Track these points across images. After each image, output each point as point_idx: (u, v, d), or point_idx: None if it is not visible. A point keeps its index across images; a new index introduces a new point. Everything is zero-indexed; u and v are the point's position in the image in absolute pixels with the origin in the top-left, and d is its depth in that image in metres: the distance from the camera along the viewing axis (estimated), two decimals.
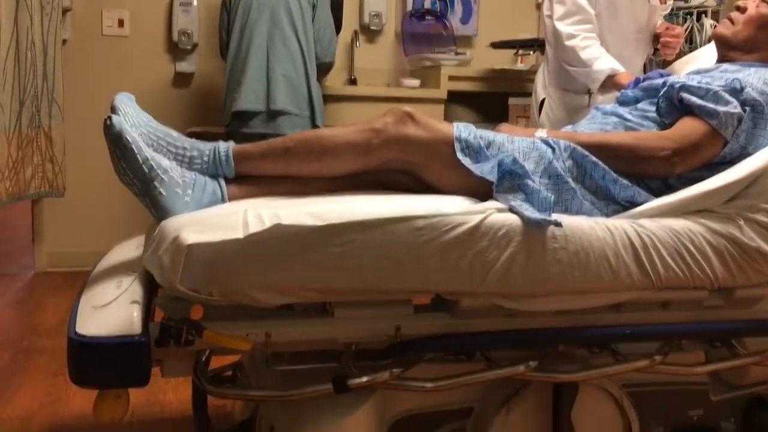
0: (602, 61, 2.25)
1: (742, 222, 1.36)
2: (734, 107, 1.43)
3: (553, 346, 1.36)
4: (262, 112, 2.82)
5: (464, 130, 1.37)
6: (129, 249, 1.47)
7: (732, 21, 1.65)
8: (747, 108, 1.44)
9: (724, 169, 1.42)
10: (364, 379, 1.24)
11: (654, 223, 1.34)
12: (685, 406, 1.51)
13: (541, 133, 1.49)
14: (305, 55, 2.87)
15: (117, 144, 1.23)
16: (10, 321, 2.74)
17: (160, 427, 1.86)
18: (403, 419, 1.37)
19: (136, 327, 1.12)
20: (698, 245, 1.33)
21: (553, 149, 1.40)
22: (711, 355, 1.48)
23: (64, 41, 3.35)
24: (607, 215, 1.38)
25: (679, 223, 1.34)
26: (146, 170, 1.24)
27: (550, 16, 2.40)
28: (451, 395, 1.38)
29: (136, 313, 1.14)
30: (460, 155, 1.34)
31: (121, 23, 3.48)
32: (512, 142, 1.40)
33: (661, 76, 1.70)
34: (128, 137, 1.23)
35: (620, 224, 1.32)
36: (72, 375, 1.12)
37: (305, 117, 2.87)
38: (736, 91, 1.45)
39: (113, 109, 1.30)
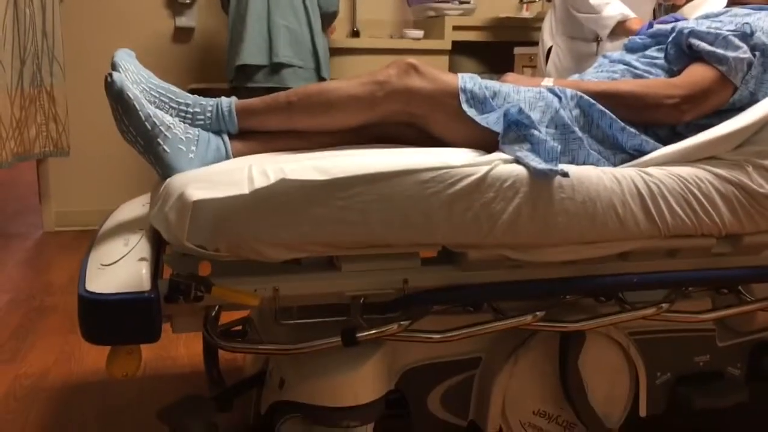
0: (612, 7, 2.21)
1: (750, 168, 1.34)
2: (744, 52, 1.40)
3: (560, 296, 1.36)
4: (265, 66, 2.79)
5: (469, 80, 1.35)
6: (135, 207, 1.47)
7: None
8: (757, 53, 1.41)
9: (733, 116, 1.40)
10: (373, 331, 1.25)
11: (662, 171, 1.33)
12: (692, 352, 1.52)
13: (548, 82, 1.48)
14: (307, 4, 2.82)
15: (119, 101, 1.22)
16: (22, 280, 2.77)
17: (173, 381, 1.89)
18: (411, 370, 1.39)
19: (145, 283, 1.13)
20: (706, 192, 1.32)
21: (560, 98, 1.38)
22: (718, 302, 1.49)
23: None
24: (615, 164, 1.38)
25: (687, 171, 1.34)
26: (149, 127, 1.23)
27: None
28: (459, 346, 1.39)
29: (144, 270, 1.14)
30: (465, 106, 1.33)
31: None
32: (518, 92, 1.38)
33: (676, 20, 1.66)
34: (130, 94, 1.22)
35: (627, 173, 1.31)
36: (84, 332, 1.13)
37: (310, 69, 2.83)
38: (746, 36, 1.42)
39: (114, 66, 1.29)
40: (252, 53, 2.76)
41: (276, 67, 2.78)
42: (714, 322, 1.52)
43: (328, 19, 2.98)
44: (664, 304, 1.38)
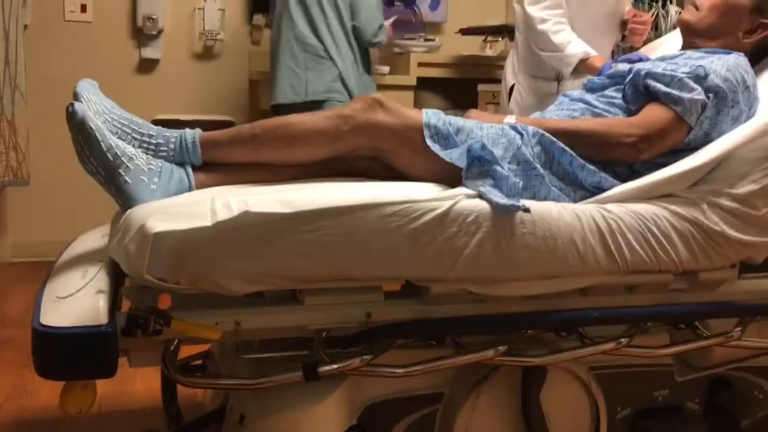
0: (574, 45, 2.26)
1: (705, 206, 1.38)
2: (698, 94, 1.45)
3: (522, 330, 1.37)
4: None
5: (433, 116, 1.37)
6: (94, 238, 1.45)
7: (696, 7, 1.67)
8: (711, 95, 1.46)
9: (688, 156, 1.44)
10: (335, 366, 1.24)
11: (620, 208, 1.35)
12: (651, 387, 1.54)
13: (510, 119, 1.50)
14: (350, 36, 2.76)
15: (80, 131, 1.21)
16: None
17: (129, 417, 1.84)
18: (373, 405, 1.38)
19: (102, 317, 1.10)
20: (663, 229, 1.35)
21: (522, 135, 1.41)
22: (675, 337, 1.51)
23: (26, 27, 3.27)
24: (575, 201, 1.40)
25: (645, 208, 1.36)
26: (110, 158, 1.22)
27: (521, 2, 2.40)
28: (422, 381, 1.38)
29: (102, 303, 1.12)
30: (429, 141, 1.34)
31: (83, 8, 3.40)
32: (481, 128, 1.41)
33: (641, 60, 1.71)
34: (91, 124, 1.20)
35: (587, 209, 1.34)
36: (37, 367, 1.11)
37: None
38: (700, 78, 1.47)
39: (75, 96, 1.27)
40: (284, 93, 2.73)
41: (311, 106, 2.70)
42: (672, 357, 1.54)
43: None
44: (623, 339, 1.40)
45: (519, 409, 1.44)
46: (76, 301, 1.13)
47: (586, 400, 1.49)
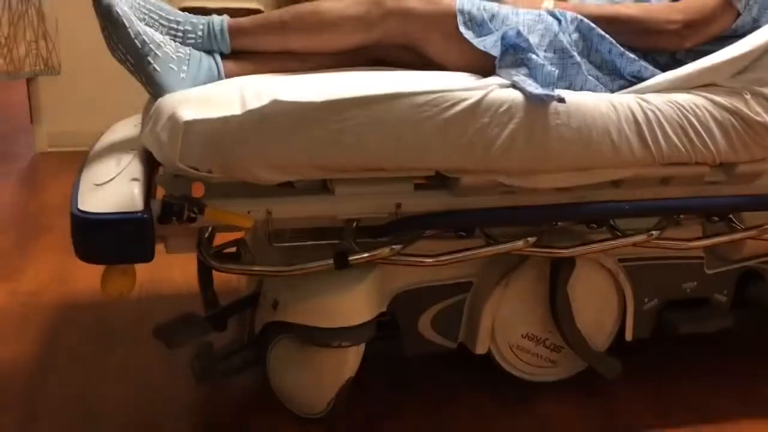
0: None
1: (748, 96, 1.33)
2: None
3: (552, 222, 1.37)
4: None
5: (467, 2, 1.32)
6: (127, 127, 1.46)
7: None
8: None
9: (734, 43, 1.38)
10: (365, 255, 1.26)
11: (659, 98, 1.31)
12: (680, 279, 1.55)
13: (548, 3, 1.44)
14: None
15: (107, 18, 1.19)
16: (16, 201, 2.77)
17: (168, 302, 1.91)
18: (403, 293, 1.41)
19: (137, 203, 1.13)
20: (702, 120, 1.31)
21: (559, 22, 1.36)
22: (708, 229, 1.50)
23: None
24: (612, 91, 1.36)
25: (685, 98, 1.32)
26: (139, 45, 1.20)
27: None
28: (451, 270, 1.41)
29: (137, 190, 1.14)
30: (462, 28, 1.30)
31: None
32: (517, 14, 1.35)
33: None
34: (118, 10, 1.18)
35: (625, 99, 1.30)
36: (77, 251, 1.14)
37: None
38: None
39: None
40: None
41: None
42: (703, 250, 1.54)
43: None
44: (654, 232, 1.39)
45: (546, 299, 1.46)
46: (112, 188, 1.15)
47: (613, 291, 1.50)
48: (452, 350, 1.48)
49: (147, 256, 1.14)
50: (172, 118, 1.12)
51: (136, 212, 1.12)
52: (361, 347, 1.36)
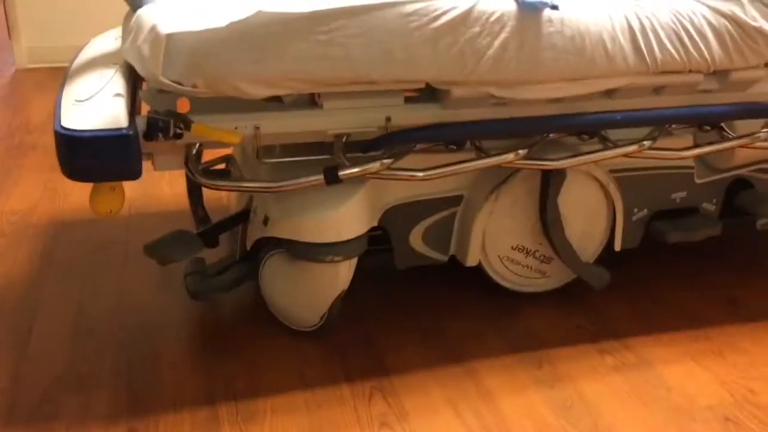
0: None
1: (745, 1, 1.30)
2: None
3: (544, 133, 1.36)
4: None
5: None
6: (107, 41, 1.41)
7: None
8: None
9: None
10: (355, 169, 1.25)
11: (654, 3, 1.28)
12: (670, 189, 1.55)
13: None
14: None
15: None
16: None
17: (159, 219, 1.91)
18: (394, 207, 1.41)
19: (122, 120, 1.10)
20: (698, 26, 1.29)
21: None
22: (699, 138, 1.49)
23: None
24: None
25: (681, 3, 1.29)
26: None
27: None
28: (442, 184, 1.40)
29: (121, 106, 1.12)
30: None
31: None
32: None
33: None
34: None
35: (620, 6, 1.27)
36: (63, 169, 1.13)
37: None
38: None
39: None
40: None
41: None
42: (693, 159, 1.54)
43: None
44: (646, 142, 1.38)
45: (537, 211, 1.46)
46: (95, 104, 1.12)
47: (603, 201, 1.51)
48: (443, 263, 1.49)
49: (134, 174, 1.13)
50: (153, 31, 1.08)
51: (121, 128, 1.10)
52: (353, 261, 1.37)
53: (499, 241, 1.48)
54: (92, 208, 1.20)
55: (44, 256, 1.72)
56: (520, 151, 1.33)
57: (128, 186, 1.20)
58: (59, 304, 1.52)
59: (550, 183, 1.42)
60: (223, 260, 1.49)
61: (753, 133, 1.45)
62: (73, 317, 1.48)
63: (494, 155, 1.33)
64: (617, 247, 1.54)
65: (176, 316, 1.50)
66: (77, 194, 2.04)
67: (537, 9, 1.19)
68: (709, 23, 1.29)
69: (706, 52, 1.30)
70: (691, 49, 1.29)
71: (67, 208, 1.97)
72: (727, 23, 1.30)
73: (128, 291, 1.58)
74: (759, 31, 1.31)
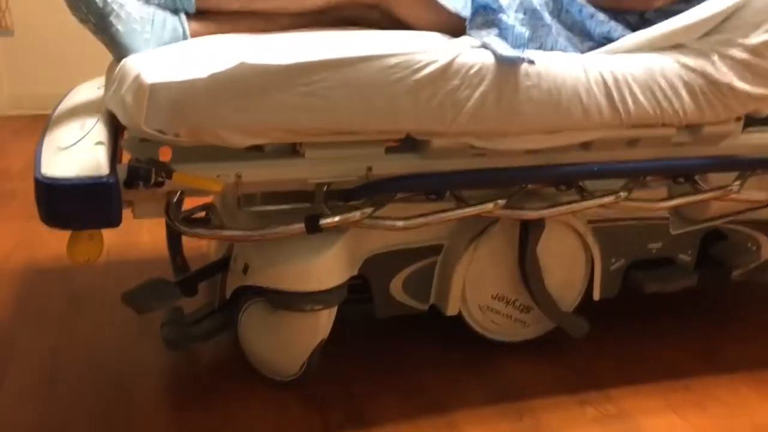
0: None
1: (715, 57, 1.34)
2: None
3: (522, 184, 1.38)
4: None
5: None
6: (90, 90, 1.42)
7: None
8: None
9: (702, 3, 1.38)
10: (336, 218, 1.26)
11: (628, 59, 1.32)
12: (646, 239, 1.57)
13: None
14: None
15: None
16: None
17: (137, 267, 1.90)
18: (374, 257, 1.41)
19: (103, 168, 1.10)
20: (670, 81, 1.32)
21: None
22: (674, 190, 1.52)
23: None
24: (582, 52, 1.36)
25: (653, 59, 1.33)
26: (100, 4, 1.17)
27: None
28: (422, 233, 1.41)
29: (102, 154, 1.12)
30: None
31: None
32: None
33: None
34: None
35: (594, 60, 1.30)
36: (42, 216, 1.12)
37: None
38: None
39: None
40: None
41: None
42: (669, 211, 1.56)
43: None
44: (622, 193, 1.41)
45: (516, 260, 1.47)
46: (77, 152, 1.12)
47: (581, 251, 1.52)
48: (424, 312, 1.49)
49: (114, 222, 1.12)
50: (137, 80, 1.09)
51: (102, 176, 1.10)
52: (333, 310, 1.36)
53: (480, 290, 1.48)
54: (70, 256, 1.19)
55: (19, 303, 1.69)
56: (500, 201, 1.34)
57: (107, 233, 1.19)
58: (33, 352, 1.50)
59: (529, 233, 1.43)
60: (201, 309, 1.48)
61: (725, 186, 1.48)
62: (47, 366, 1.45)
63: (474, 205, 1.34)
64: (596, 296, 1.55)
65: (153, 365, 1.47)
66: (55, 242, 2.02)
67: (515, 63, 1.22)
68: (681, 79, 1.33)
69: (678, 107, 1.34)
70: (664, 103, 1.33)
71: (45, 256, 1.95)
72: (698, 79, 1.34)
73: (104, 340, 1.55)
74: (729, 86, 1.35)
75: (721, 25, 1.36)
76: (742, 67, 1.35)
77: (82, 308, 1.68)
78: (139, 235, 2.08)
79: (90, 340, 1.55)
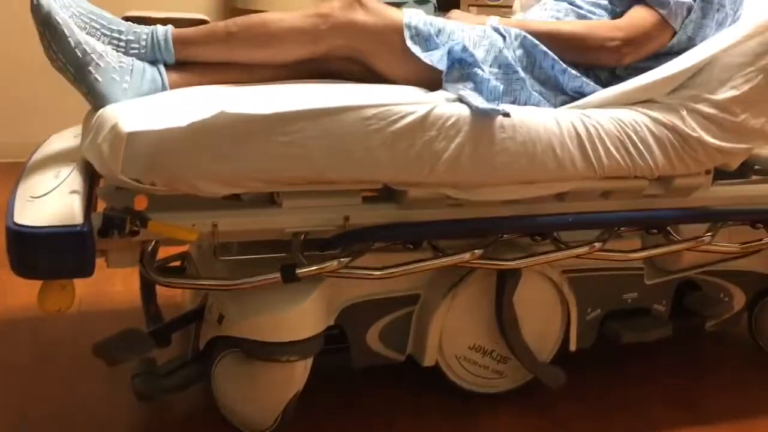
0: None
1: (684, 112, 1.38)
2: None
3: (498, 234, 1.39)
4: None
5: (414, 16, 1.33)
6: (66, 138, 1.42)
7: None
8: None
9: (671, 60, 1.43)
10: (313, 268, 1.25)
11: (600, 113, 1.35)
12: (621, 290, 1.58)
13: (493, 20, 1.47)
14: None
15: (46, 26, 1.16)
16: None
17: (110, 317, 1.86)
18: (351, 306, 1.40)
19: (77, 217, 1.09)
20: (641, 135, 1.35)
21: (504, 38, 1.38)
22: (647, 241, 1.54)
23: None
24: (555, 106, 1.39)
25: (624, 113, 1.36)
26: (79, 54, 1.17)
27: None
28: (399, 283, 1.41)
29: (76, 203, 1.11)
30: (409, 43, 1.31)
31: None
32: (463, 30, 1.37)
33: None
34: (58, 18, 1.16)
35: (567, 114, 1.33)
36: (13, 266, 1.10)
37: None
38: None
39: None
40: None
41: None
42: (643, 261, 1.58)
43: None
44: (597, 243, 1.42)
45: (493, 310, 1.47)
46: (50, 200, 1.11)
47: (557, 301, 1.53)
48: (401, 363, 1.48)
49: (87, 271, 1.11)
50: (114, 130, 1.09)
51: (76, 225, 1.09)
52: (309, 361, 1.35)
53: (456, 340, 1.48)
54: (40, 306, 1.17)
55: None
56: (476, 251, 1.35)
57: (79, 282, 1.18)
58: (1, 407, 1.45)
59: (505, 282, 1.43)
60: (173, 360, 1.45)
61: (697, 237, 1.50)
62: (16, 422, 1.41)
63: (450, 255, 1.34)
64: (572, 346, 1.55)
65: (125, 418, 1.43)
66: (25, 291, 1.98)
67: (490, 115, 1.24)
68: (651, 132, 1.36)
69: (649, 159, 1.36)
70: (635, 155, 1.35)
71: (14, 305, 1.90)
72: (668, 133, 1.37)
73: (75, 393, 1.51)
74: (698, 140, 1.38)
75: (690, 80, 1.40)
76: (709, 122, 1.38)
77: (53, 359, 1.64)
78: (112, 283, 2.05)
79: (60, 393, 1.51)
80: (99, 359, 1.32)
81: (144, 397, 1.37)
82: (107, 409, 1.46)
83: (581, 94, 1.40)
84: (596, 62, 1.43)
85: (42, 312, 1.18)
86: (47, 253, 1.08)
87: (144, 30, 1.29)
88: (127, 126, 1.09)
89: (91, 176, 1.22)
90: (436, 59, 1.30)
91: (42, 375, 1.58)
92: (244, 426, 1.38)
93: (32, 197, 1.13)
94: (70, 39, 1.17)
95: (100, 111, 1.17)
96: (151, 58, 1.28)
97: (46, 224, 1.08)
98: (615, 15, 1.49)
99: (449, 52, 1.29)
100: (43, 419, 1.41)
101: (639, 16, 1.43)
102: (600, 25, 1.44)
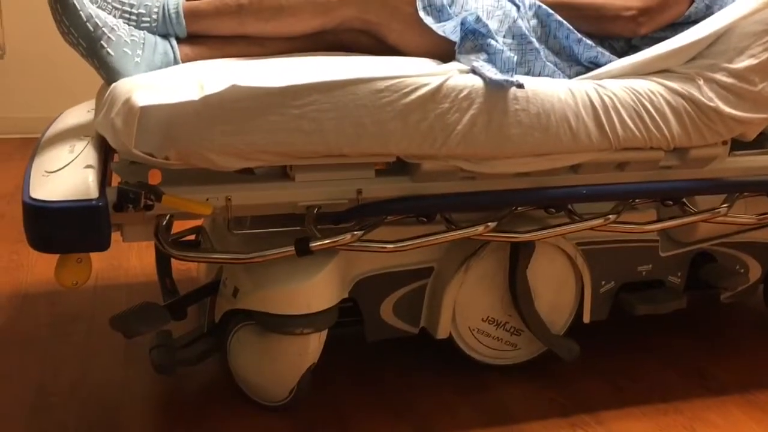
0: None
1: (701, 82, 1.36)
2: None
3: (512, 207, 1.38)
4: None
5: None
6: (80, 113, 1.42)
7: None
8: None
9: (687, 29, 1.40)
10: (326, 241, 1.26)
11: (615, 84, 1.33)
12: (635, 262, 1.58)
13: None
14: None
15: (58, 0, 1.15)
16: None
17: (126, 291, 1.88)
18: (365, 279, 1.41)
19: (92, 191, 1.10)
20: (657, 105, 1.34)
21: (518, 8, 1.36)
22: (662, 213, 1.53)
23: None
24: (570, 76, 1.37)
25: (640, 84, 1.34)
26: (91, 28, 1.17)
27: None
28: (412, 256, 1.41)
29: (91, 177, 1.12)
30: (422, 14, 1.30)
31: None
32: (476, 0, 1.35)
33: None
34: None
35: (582, 85, 1.32)
36: (30, 240, 1.11)
37: None
38: None
39: None
40: None
41: None
42: (658, 233, 1.57)
43: None
44: (611, 216, 1.41)
45: (506, 283, 1.47)
46: (65, 175, 1.12)
47: (571, 273, 1.53)
48: (414, 335, 1.48)
49: (102, 245, 1.12)
50: (127, 104, 1.09)
51: (91, 200, 1.09)
52: (323, 333, 1.36)
53: (470, 313, 1.48)
54: (57, 280, 1.18)
55: (5, 328, 1.67)
56: (490, 224, 1.34)
57: (95, 256, 1.19)
58: (19, 379, 1.48)
59: (519, 255, 1.43)
60: (190, 333, 1.46)
61: (714, 209, 1.49)
62: (33, 393, 1.43)
63: (464, 228, 1.34)
64: (586, 318, 1.55)
65: (141, 390, 1.46)
66: (42, 265, 2.00)
67: (503, 87, 1.23)
68: (668, 102, 1.34)
69: (665, 130, 1.35)
70: (652, 127, 1.34)
71: (32, 280, 1.93)
72: (684, 103, 1.35)
73: (92, 365, 1.54)
74: (715, 110, 1.36)
75: (707, 50, 1.38)
76: (727, 92, 1.36)
77: (71, 332, 1.66)
78: (127, 258, 2.07)
79: (78, 365, 1.53)
80: (116, 332, 1.34)
81: (161, 370, 1.38)
82: (124, 380, 1.48)
83: (596, 65, 1.38)
84: (612, 32, 1.41)
85: (59, 286, 1.19)
86: (63, 228, 1.09)
87: (155, 3, 1.28)
88: (140, 100, 1.09)
89: (105, 151, 1.23)
90: (449, 30, 1.29)
91: (60, 346, 1.60)
92: (260, 398, 1.40)
93: (47, 172, 1.13)
94: (81, 12, 1.16)
95: (113, 85, 1.17)
96: (163, 31, 1.28)
97: (62, 198, 1.08)
98: None
99: (462, 23, 1.28)
100: (60, 391, 1.44)
101: None
102: None
